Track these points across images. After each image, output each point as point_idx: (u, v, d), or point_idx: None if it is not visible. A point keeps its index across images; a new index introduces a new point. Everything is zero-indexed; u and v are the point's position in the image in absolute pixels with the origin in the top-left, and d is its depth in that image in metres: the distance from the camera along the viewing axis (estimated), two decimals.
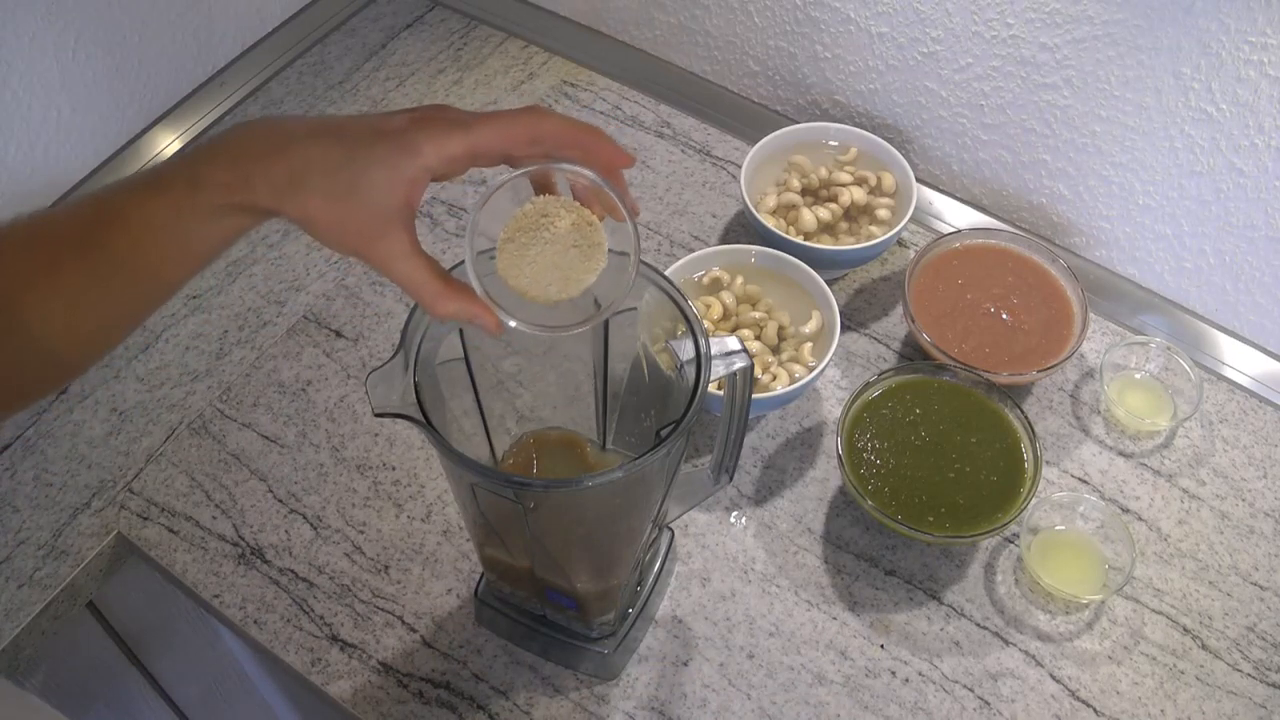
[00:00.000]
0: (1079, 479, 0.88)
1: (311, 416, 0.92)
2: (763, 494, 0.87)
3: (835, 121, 1.02)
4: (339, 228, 0.53)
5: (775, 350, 0.89)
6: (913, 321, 0.90)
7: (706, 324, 0.89)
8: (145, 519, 0.86)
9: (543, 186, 0.57)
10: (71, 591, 0.84)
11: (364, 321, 0.98)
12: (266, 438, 0.91)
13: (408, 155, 0.52)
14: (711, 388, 0.62)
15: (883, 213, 0.97)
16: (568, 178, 0.56)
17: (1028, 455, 0.82)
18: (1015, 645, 0.79)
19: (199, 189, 0.53)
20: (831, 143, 1.01)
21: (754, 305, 0.91)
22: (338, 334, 0.97)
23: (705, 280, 0.92)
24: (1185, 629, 0.80)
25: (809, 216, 0.96)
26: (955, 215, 1.06)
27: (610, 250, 0.57)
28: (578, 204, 0.57)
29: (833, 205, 0.97)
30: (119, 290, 0.55)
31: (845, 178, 0.98)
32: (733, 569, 0.83)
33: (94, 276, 0.54)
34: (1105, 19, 0.87)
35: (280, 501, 0.87)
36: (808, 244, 0.93)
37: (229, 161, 0.53)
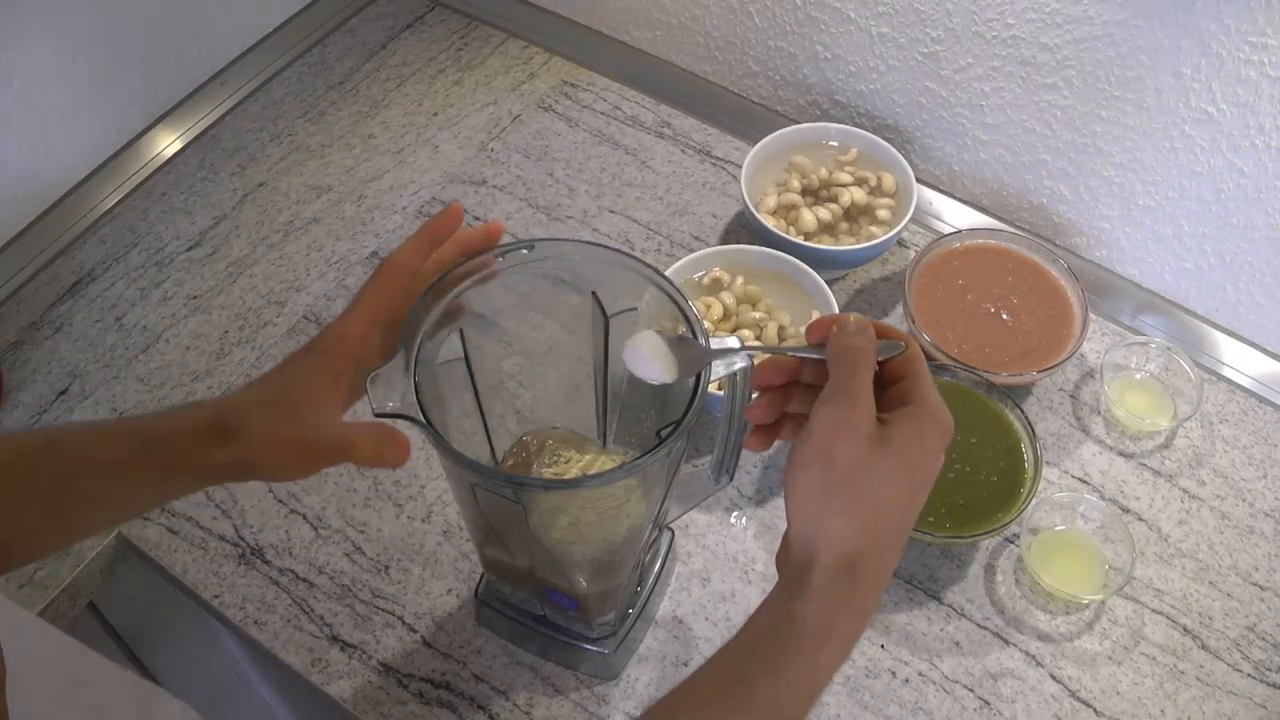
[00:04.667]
0: (1079, 479, 0.87)
1: None
2: (763, 494, 0.87)
3: (835, 122, 1.03)
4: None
5: None
6: (913, 321, 0.90)
7: (707, 324, 0.89)
8: (145, 519, 0.86)
9: None
10: (71, 591, 0.84)
11: None
12: None
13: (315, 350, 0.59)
14: (711, 388, 0.61)
15: (883, 213, 0.97)
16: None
17: (1028, 455, 0.82)
18: (1015, 645, 0.79)
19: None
20: (832, 143, 1.01)
21: (754, 305, 0.91)
22: None
23: (705, 280, 0.92)
24: (1185, 629, 0.80)
25: (809, 217, 0.96)
26: (955, 215, 1.06)
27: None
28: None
29: (833, 205, 0.97)
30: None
31: (845, 178, 0.98)
32: (733, 569, 0.83)
33: None
34: (1105, 19, 0.87)
35: (280, 502, 0.87)
36: (808, 244, 0.93)
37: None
